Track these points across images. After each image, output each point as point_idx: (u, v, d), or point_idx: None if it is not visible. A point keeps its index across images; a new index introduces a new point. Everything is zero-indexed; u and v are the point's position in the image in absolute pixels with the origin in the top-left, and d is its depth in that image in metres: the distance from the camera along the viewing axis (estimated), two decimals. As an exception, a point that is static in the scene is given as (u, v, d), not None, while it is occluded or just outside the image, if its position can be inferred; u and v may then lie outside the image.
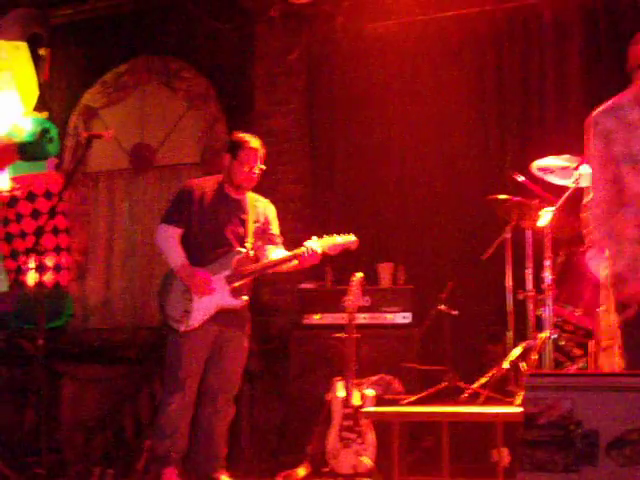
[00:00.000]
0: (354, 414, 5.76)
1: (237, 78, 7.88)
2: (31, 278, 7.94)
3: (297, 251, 5.63)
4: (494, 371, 5.92)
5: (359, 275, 6.02)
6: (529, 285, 6.03)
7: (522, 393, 4.69)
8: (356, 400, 5.78)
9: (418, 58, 7.30)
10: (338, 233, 5.65)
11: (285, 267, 5.77)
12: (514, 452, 5.26)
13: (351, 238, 5.62)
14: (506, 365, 5.88)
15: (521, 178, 6.09)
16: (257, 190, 7.66)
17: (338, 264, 6.86)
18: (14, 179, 8.45)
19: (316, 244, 5.57)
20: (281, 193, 7.62)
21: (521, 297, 6.07)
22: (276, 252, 5.82)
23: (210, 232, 5.77)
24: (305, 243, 5.62)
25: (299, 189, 7.63)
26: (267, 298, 7.55)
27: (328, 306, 6.61)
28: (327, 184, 7.52)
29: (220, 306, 5.65)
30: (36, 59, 8.63)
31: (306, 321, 6.70)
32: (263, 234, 5.88)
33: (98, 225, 8.40)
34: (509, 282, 6.17)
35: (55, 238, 8.17)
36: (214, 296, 5.64)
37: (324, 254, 5.59)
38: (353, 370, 5.82)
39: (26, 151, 8.41)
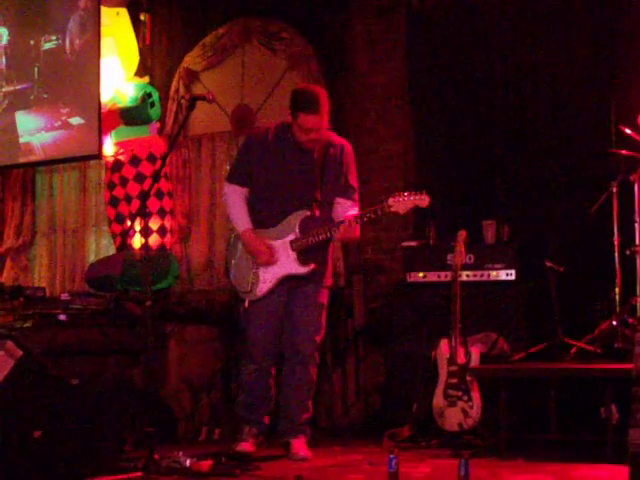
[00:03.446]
0: (459, 372, 5.74)
1: (336, 37, 7.84)
2: (137, 241, 8.06)
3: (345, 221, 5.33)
4: (602, 328, 5.86)
5: (463, 232, 5.98)
6: (637, 240, 5.93)
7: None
8: (461, 358, 5.76)
9: (521, 8, 7.14)
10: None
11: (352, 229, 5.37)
12: (623, 409, 5.18)
13: (422, 196, 5.24)
14: (614, 321, 5.81)
15: (627, 131, 5.97)
16: (358, 149, 7.67)
17: (441, 222, 6.82)
18: (118, 144, 8.57)
19: (384, 204, 5.26)
20: (382, 151, 7.59)
21: (628, 252, 5.98)
22: (343, 207, 5.52)
23: (273, 190, 5.52)
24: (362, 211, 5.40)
25: (400, 147, 7.57)
26: (370, 257, 7.55)
27: (432, 264, 6.56)
28: (428, 142, 7.44)
29: (285, 274, 5.48)
30: (136, 24, 8.72)
31: (410, 279, 6.67)
32: (336, 184, 5.56)
33: (200, 188, 8.47)
34: (616, 237, 6.06)
35: (159, 201, 8.27)
36: (279, 264, 5.46)
37: (394, 213, 5.29)
38: (458, 328, 5.80)
39: (129, 116, 8.53)
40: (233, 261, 5.65)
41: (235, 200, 5.61)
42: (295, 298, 5.57)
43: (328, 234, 5.41)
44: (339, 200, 5.56)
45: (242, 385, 5.75)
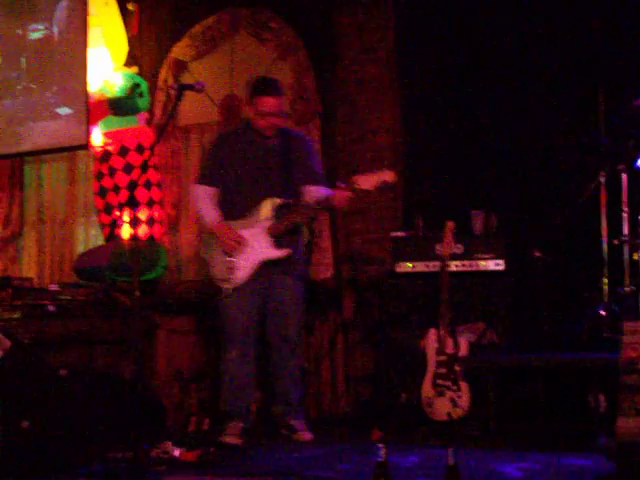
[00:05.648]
0: (448, 362, 5.75)
1: (325, 27, 7.82)
2: (125, 232, 8.04)
3: (328, 196, 5.57)
4: (589, 317, 5.88)
5: (451, 222, 5.99)
6: (625, 230, 5.95)
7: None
8: (450, 348, 5.77)
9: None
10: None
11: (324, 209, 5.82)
12: (611, 398, 5.20)
13: (386, 171, 5.50)
14: (602, 311, 5.83)
15: (616, 120, 5.99)
16: (348, 140, 7.68)
17: (430, 212, 6.81)
18: (106, 134, 8.53)
19: (351, 182, 5.49)
20: (372, 142, 7.58)
21: (617, 242, 5.99)
22: (315, 193, 5.71)
23: (244, 182, 5.75)
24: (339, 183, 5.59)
25: (390, 138, 7.56)
26: (358, 247, 7.55)
27: (420, 254, 6.56)
28: (418, 132, 7.43)
29: (263, 259, 5.65)
30: (125, 14, 8.69)
31: (398, 269, 6.67)
32: (301, 172, 5.77)
33: (189, 178, 8.44)
34: (604, 227, 6.07)
35: (148, 192, 8.24)
36: (256, 250, 5.64)
37: (362, 190, 5.47)
38: (447, 318, 5.81)
39: (117, 106, 8.49)
40: (211, 256, 5.79)
41: (204, 199, 5.84)
42: (275, 287, 5.75)
43: (303, 217, 5.73)
44: (308, 188, 5.76)
45: (223, 377, 5.81)
